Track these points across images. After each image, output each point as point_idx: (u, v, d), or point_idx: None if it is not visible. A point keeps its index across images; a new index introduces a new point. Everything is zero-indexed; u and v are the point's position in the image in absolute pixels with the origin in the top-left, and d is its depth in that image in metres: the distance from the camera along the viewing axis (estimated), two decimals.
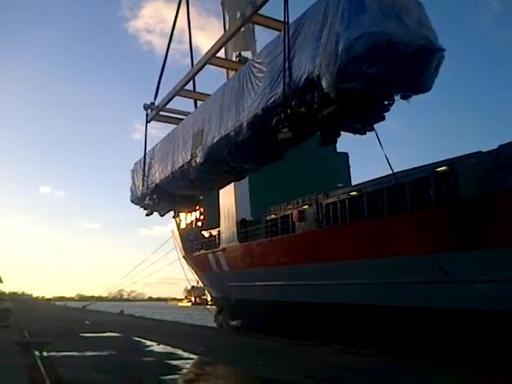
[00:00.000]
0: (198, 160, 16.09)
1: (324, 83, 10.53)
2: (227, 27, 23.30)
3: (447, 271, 15.20)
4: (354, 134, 12.57)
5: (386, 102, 11.38)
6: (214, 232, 32.36)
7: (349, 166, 34.64)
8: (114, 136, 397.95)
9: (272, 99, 12.44)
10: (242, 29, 20.51)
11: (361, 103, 11.08)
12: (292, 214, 24.49)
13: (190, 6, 21.58)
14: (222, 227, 30.70)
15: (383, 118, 11.75)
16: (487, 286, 15.03)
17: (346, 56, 9.85)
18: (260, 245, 26.75)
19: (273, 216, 26.42)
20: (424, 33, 10.15)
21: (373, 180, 20.67)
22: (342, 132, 12.83)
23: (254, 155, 15.02)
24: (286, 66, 11.72)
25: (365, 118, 11.92)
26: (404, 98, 11.14)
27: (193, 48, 21.56)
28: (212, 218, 30.27)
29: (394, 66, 9.78)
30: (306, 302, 22.56)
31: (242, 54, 28.41)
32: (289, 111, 11.54)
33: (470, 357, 14.01)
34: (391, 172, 15.69)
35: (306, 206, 23.87)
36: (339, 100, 10.65)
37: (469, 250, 15.44)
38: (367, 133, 12.40)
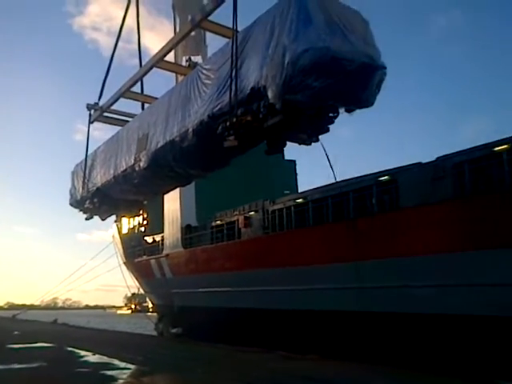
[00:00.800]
0: (141, 164, 15.82)
1: (270, 94, 10.55)
2: (177, 30, 23.09)
3: None
4: (300, 144, 12.66)
5: (330, 115, 11.54)
6: (158, 238, 31.93)
7: (296, 174, 34.92)
8: (54, 137, 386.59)
9: (218, 106, 12.37)
10: (193, 33, 20.48)
11: (306, 115, 11.16)
12: (238, 220, 24.50)
13: (140, 4, 21.29)
14: (166, 233, 30.34)
15: (327, 130, 11.89)
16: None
17: (291, 68, 9.91)
18: (205, 251, 26.62)
19: (218, 222, 26.39)
20: (367, 50, 10.41)
21: (319, 188, 20.98)
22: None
23: (200, 161, 14.90)
24: (233, 74, 11.67)
25: (310, 129, 11.99)
26: (348, 111, 11.36)
27: (142, 48, 21.27)
28: (156, 223, 29.86)
29: (338, 81, 9.96)
30: (250, 308, 22.60)
31: (193, 58, 28.19)
32: (234, 120, 11.47)
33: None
34: (336, 180, 16.12)
35: (252, 213, 23.95)
36: (284, 111, 10.70)
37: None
38: (312, 144, 12.54)
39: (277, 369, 12.87)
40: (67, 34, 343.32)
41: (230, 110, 11.70)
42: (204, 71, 13.65)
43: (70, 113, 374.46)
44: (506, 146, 14.52)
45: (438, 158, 16.36)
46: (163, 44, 16.17)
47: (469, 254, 14.64)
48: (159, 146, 14.97)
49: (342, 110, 11.41)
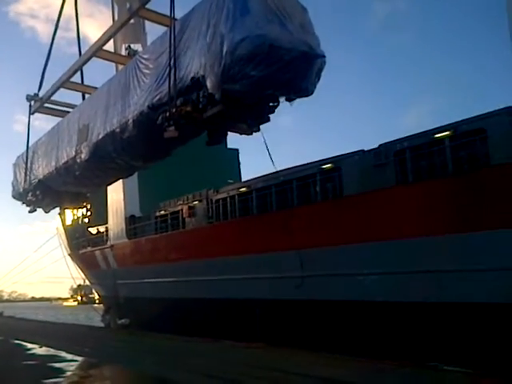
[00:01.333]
0: (82, 156, 15.57)
1: (209, 84, 10.57)
2: (116, 18, 22.69)
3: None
4: (241, 134, 12.77)
5: (270, 104, 11.70)
6: (102, 229, 31.49)
7: (239, 162, 34.92)
8: None
9: (158, 97, 12.28)
10: (132, 21, 20.14)
11: (246, 104, 11.27)
12: (182, 209, 24.44)
13: None
14: (110, 223, 29.90)
15: (268, 120, 12.05)
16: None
17: (229, 58, 9.94)
18: (149, 241, 26.43)
19: (162, 212, 26.25)
20: (306, 39, 10.46)
21: (262, 176, 21.06)
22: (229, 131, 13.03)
23: (141, 153, 14.77)
24: (171, 63, 11.62)
25: (250, 119, 12.11)
26: (288, 100, 11.49)
27: (81, 37, 20.64)
28: (100, 214, 29.51)
29: (277, 70, 10.01)
30: (196, 298, 22.60)
31: (132, 46, 27.82)
32: (174, 110, 11.46)
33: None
34: (276, 169, 16.32)
35: (196, 202, 23.89)
36: (224, 101, 10.73)
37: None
38: (253, 133, 12.66)
39: (222, 357, 13.08)
40: (3, 21, 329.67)
41: (169, 101, 11.66)
42: (143, 60, 13.49)
43: (9, 103, 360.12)
44: (447, 133, 14.79)
45: (380, 146, 16.55)
46: (102, 32, 15.90)
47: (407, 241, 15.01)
48: (100, 137, 14.75)
49: (282, 99, 11.56)
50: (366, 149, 17.12)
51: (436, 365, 11.19)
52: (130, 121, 13.33)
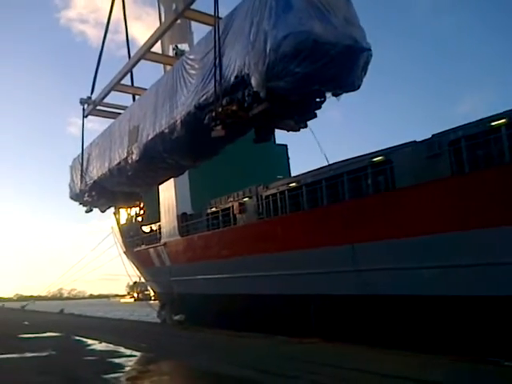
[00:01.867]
0: (133, 157, 15.91)
1: (253, 82, 10.60)
2: (162, 19, 23.02)
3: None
4: (288, 131, 12.73)
5: (317, 100, 11.58)
6: (155, 227, 32.04)
7: (288, 158, 34.88)
8: (48, 131, 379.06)
9: (204, 97, 12.42)
10: (178, 21, 20.32)
11: (292, 101, 11.19)
12: (233, 206, 24.54)
13: None
14: (163, 221, 30.39)
15: (315, 116, 11.94)
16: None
17: (273, 55, 9.92)
18: (201, 238, 26.69)
19: (214, 209, 26.41)
20: (351, 32, 10.29)
21: (312, 171, 20.92)
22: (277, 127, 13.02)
23: (190, 152, 14.94)
24: (217, 63, 11.71)
25: (297, 116, 12.04)
26: (335, 95, 11.36)
27: (129, 39, 21.23)
28: (152, 212, 30.04)
29: (322, 65, 9.89)
30: (248, 294, 22.69)
31: (180, 46, 28.10)
32: (220, 109, 11.54)
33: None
34: (328, 163, 16.11)
35: (246, 199, 23.97)
36: (269, 98, 10.73)
37: None
38: (301, 130, 12.60)
39: (275, 353, 13.02)
40: (56, 28, 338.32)
41: (215, 100, 11.76)
42: (189, 61, 13.68)
43: (63, 106, 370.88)
44: (504, 121, 14.25)
45: (433, 136, 16.13)
46: (149, 33, 16.19)
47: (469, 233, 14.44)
48: (149, 138, 15.05)
49: (328, 95, 11.43)
50: (418, 140, 16.74)
51: (497, 360, 10.88)
52: (178, 121, 13.52)
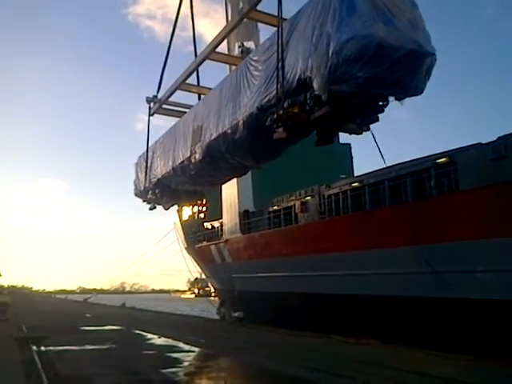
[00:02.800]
0: (197, 157, 16.12)
1: (315, 85, 10.53)
2: (229, 17, 23.23)
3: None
4: (350, 134, 12.60)
5: (379, 103, 11.42)
6: (217, 224, 32.44)
7: (351, 157, 34.62)
8: (116, 126, 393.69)
9: (266, 98, 12.45)
10: (244, 20, 20.42)
11: (354, 104, 11.09)
12: (295, 205, 24.58)
13: None
14: (225, 219, 30.79)
15: (377, 119, 11.77)
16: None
17: (336, 58, 9.83)
18: (263, 236, 26.89)
19: (275, 207, 26.52)
20: (415, 36, 10.10)
21: (375, 171, 20.76)
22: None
23: (252, 153, 14.97)
24: (279, 65, 11.69)
25: (359, 119, 11.89)
26: (398, 99, 11.15)
27: (196, 36, 21.52)
28: (214, 209, 30.33)
29: (385, 70, 9.76)
30: (308, 293, 22.69)
31: (245, 44, 28.31)
32: (281, 112, 11.53)
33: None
34: (390, 164, 15.83)
35: (308, 198, 23.98)
36: (331, 102, 10.64)
37: None
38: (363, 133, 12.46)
39: (331, 353, 13.01)
40: (124, 24, 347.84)
41: (277, 102, 11.75)
42: (252, 62, 13.73)
43: (131, 102, 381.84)
44: None
45: (498, 138, 15.77)
46: (216, 31, 16.34)
47: None
48: (212, 138, 15.22)
49: (391, 99, 11.26)
50: (483, 142, 16.36)
51: None
52: (241, 122, 13.63)
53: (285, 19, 12.50)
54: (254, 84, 13.35)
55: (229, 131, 14.26)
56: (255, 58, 13.75)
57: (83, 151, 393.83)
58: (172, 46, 21.55)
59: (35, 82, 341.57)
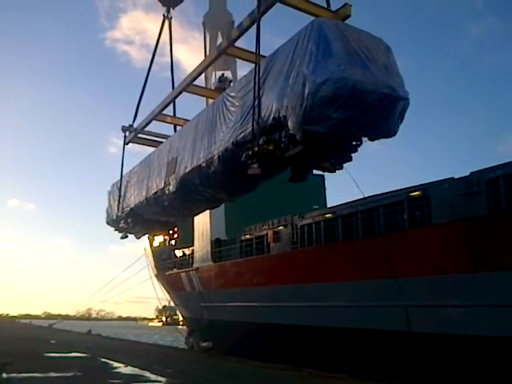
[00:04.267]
0: (170, 188, 16.06)
1: (290, 124, 10.67)
2: (207, 47, 23.46)
3: None
4: (324, 171, 12.80)
5: (353, 143, 11.63)
6: (188, 251, 32.23)
7: (324, 188, 34.78)
8: (88, 150, 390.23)
9: (242, 134, 12.53)
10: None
11: (328, 144, 11.23)
12: (267, 234, 24.62)
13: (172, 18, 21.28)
14: (196, 246, 30.61)
15: (351, 159, 11.98)
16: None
17: (311, 99, 9.98)
18: (234, 265, 26.78)
19: (248, 236, 26.55)
20: (389, 80, 10.42)
21: (348, 203, 20.93)
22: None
23: (226, 187, 15.02)
24: (256, 103, 11.78)
25: (333, 158, 12.09)
26: (371, 139, 11.41)
27: (174, 62, 21.51)
28: (186, 236, 30.06)
29: (359, 112, 9.99)
30: (279, 324, 22.63)
31: (223, 73, 28.57)
32: (257, 149, 11.60)
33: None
34: (364, 196, 16.02)
35: (281, 227, 24.03)
36: (305, 141, 10.77)
37: None
38: (336, 171, 12.64)
39: None
40: (101, 48, 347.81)
41: (252, 139, 11.84)
42: (229, 98, 13.82)
43: (105, 125, 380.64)
44: None
45: (471, 173, 16.15)
46: (195, 57, 16.62)
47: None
48: (187, 170, 15.20)
49: (365, 139, 11.52)
50: (455, 177, 16.72)
51: None
52: (216, 156, 13.65)
53: (263, 56, 12.68)
54: (230, 119, 13.44)
55: (204, 165, 14.27)
56: (232, 94, 13.85)
57: (54, 173, 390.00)
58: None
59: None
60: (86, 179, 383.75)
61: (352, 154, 11.97)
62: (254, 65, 12.48)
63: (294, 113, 10.48)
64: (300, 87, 10.35)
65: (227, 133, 13.32)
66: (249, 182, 14.28)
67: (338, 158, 12.08)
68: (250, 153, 11.84)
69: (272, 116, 11.37)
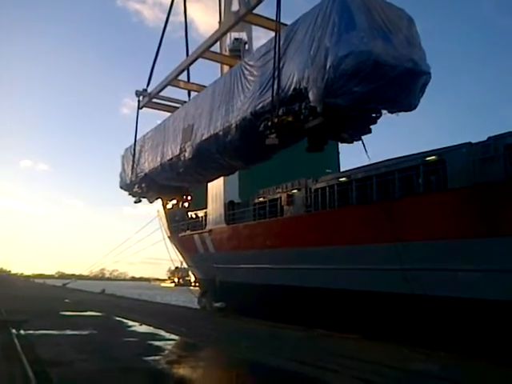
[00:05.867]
0: (186, 155, 16.11)
1: (311, 96, 10.65)
2: (222, 7, 22.98)
3: None
4: (341, 142, 12.74)
5: (373, 115, 11.55)
6: (201, 213, 32.23)
7: (338, 153, 34.55)
8: (101, 111, 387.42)
9: (260, 105, 12.50)
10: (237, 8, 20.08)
11: (347, 116, 11.19)
12: (281, 197, 24.53)
13: None
14: (209, 209, 30.62)
15: (370, 131, 11.96)
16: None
17: (333, 72, 9.96)
18: (247, 227, 26.82)
19: (261, 199, 26.46)
20: (411, 54, 10.32)
21: (363, 166, 20.73)
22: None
23: (242, 155, 15.07)
24: (276, 74, 11.72)
25: (351, 130, 12.04)
26: (391, 112, 11.36)
27: (188, 21, 21.21)
28: (199, 199, 29.96)
29: (380, 86, 9.97)
30: (291, 286, 22.79)
31: (238, 35, 28.07)
32: (276, 119, 11.60)
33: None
34: (373, 161, 15.94)
35: (295, 191, 23.92)
36: (325, 113, 10.77)
37: None
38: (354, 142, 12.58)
39: (314, 346, 13.00)
40: (112, 6, 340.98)
41: (271, 109, 11.83)
42: (247, 67, 13.71)
43: (117, 86, 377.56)
44: None
45: (489, 138, 15.89)
46: (209, 17, 16.40)
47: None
48: (204, 138, 15.23)
49: (384, 111, 11.46)
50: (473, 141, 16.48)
51: None
52: (233, 125, 13.66)
53: (283, 24, 12.48)
54: (248, 89, 13.35)
55: (221, 133, 14.28)
56: (251, 63, 13.72)
57: (66, 134, 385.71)
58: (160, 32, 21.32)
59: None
60: (98, 140, 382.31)
61: (371, 126, 11.90)
62: (272, 34, 12.36)
63: (315, 85, 10.43)
64: (322, 59, 10.29)
65: (245, 102, 13.27)
66: (265, 151, 14.31)
67: (356, 129, 12.04)
68: (269, 123, 11.85)
69: (292, 87, 11.33)
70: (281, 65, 11.74)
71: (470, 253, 15.45)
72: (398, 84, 10.16)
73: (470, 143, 16.48)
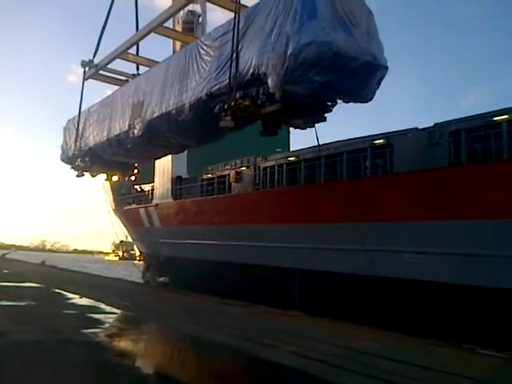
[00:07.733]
0: (136, 132, 15.69)
1: (270, 82, 10.56)
2: None
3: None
4: (295, 128, 12.74)
5: (328, 104, 11.62)
6: (147, 187, 31.63)
7: (289, 132, 34.28)
8: (48, 75, 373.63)
9: (217, 87, 12.29)
10: None
11: (304, 104, 11.22)
12: (229, 174, 24.41)
13: None
14: (156, 183, 30.18)
15: (324, 119, 12.04)
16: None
17: (294, 60, 9.91)
18: (194, 203, 26.63)
19: (209, 175, 26.29)
20: (371, 47, 10.38)
21: (312, 147, 20.76)
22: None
23: (194, 134, 14.89)
24: (234, 56, 11.55)
25: (306, 117, 12.07)
26: (346, 102, 11.51)
27: None
28: (146, 172, 29.49)
29: (339, 77, 9.99)
30: (236, 263, 22.83)
31: (190, 7, 27.31)
32: (233, 103, 11.45)
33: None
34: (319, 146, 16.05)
35: (243, 168, 23.86)
36: (283, 100, 10.72)
37: None
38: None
39: (255, 322, 13.17)
40: None
41: (228, 92, 11.66)
42: (204, 47, 13.42)
43: (64, 52, 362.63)
44: (505, 117, 14.38)
45: (435, 125, 16.25)
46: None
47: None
48: (155, 116, 14.85)
49: (339, 100, 11.55)
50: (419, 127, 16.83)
51: (472, 347, 11.23)
52: (187, 105, 13.36)
53: (243, 6, 12.24)
54: (204, 69, 13.08)
55: (173, 112, 13.96)
56: (207, 43, 13.42)
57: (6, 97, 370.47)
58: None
59: None
60: (42, 107, 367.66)
61: (325, 115, 12.01)
62: (231, 20, 12.08)
63: (274, 71, 10.36)
64: (283, 46, 10.21)
65: (200, 82, 13.02)
66: (218, 132, 14.23)
67: (311, 116, 12.10)
68: (225, 106, 11.74)
69: (251, 71, 11.22)
70: (239, 48, 11.53)
71: (411, 235, 15.86)
72: (357, 76, 10.21)
73: (416, 128, 16.88)
